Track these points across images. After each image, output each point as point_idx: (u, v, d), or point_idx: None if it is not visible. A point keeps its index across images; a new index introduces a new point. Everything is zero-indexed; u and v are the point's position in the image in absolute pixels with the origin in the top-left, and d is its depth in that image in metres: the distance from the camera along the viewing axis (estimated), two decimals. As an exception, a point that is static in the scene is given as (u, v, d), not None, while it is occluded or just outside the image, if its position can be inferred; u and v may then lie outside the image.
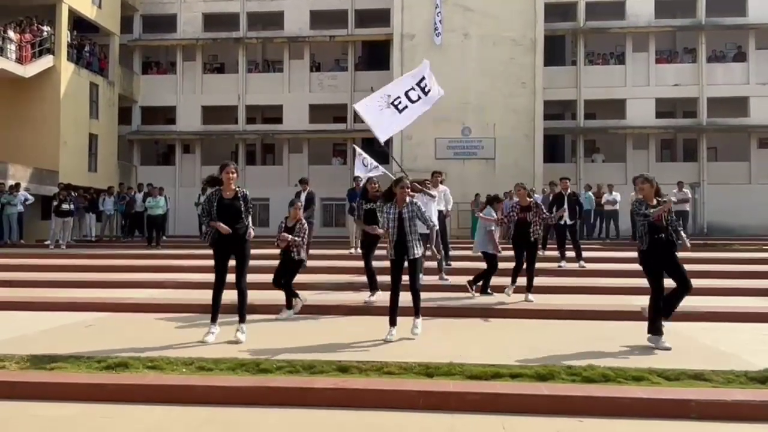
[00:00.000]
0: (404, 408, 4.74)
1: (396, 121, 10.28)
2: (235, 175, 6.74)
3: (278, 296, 8.54)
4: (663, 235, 6.54)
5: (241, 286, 6.82)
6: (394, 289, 6.92)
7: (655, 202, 6.64)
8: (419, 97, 10.31)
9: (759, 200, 24.41)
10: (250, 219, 6.89)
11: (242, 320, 6.88)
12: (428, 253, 8.12)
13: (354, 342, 6.73)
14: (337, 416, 4.64)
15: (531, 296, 9.27)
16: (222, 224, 6.57)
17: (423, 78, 10.38)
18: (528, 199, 9.51)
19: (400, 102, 10.23)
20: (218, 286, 6.79)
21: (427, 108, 10.54)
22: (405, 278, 7.01)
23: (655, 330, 6.53)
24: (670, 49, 27.23)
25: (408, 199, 7.03)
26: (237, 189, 6.80)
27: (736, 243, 17.25)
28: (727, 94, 25.47)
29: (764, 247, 14.96)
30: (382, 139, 10.41)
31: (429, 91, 10.32)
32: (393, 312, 6.92)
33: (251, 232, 6.87)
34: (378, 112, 10.18)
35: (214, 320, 6.83)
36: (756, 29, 25.34)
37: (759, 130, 25.28)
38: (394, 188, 7.05)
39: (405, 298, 7.04)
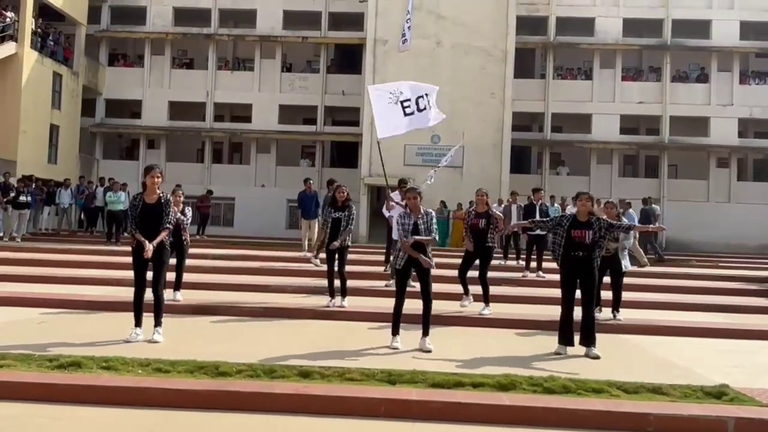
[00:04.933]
0: (366, 415, 4.69)
1: (399, 124, 9.83)
2: (159, 179, 6.65)
3: (237, 298, 8.35)
4: (581, 253, 6.82)
5: (157, 292, 6.73)
6: (400, 299, 6.79)
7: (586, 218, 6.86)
8: (424, 108, 9.88)
9: (715, 218, 25.06)
10: (169, 224, 6.74)
11: (158, 324, 6.71)
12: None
13: (317, 346, 6.65)
14: (298, 422, 4.56)
15: (488, 310, 8.79)
16: (146, 243, 6.54)
17: (426, 94, 9.91)
18: (485, 207, 9.00)
19: (408, 106, 9.78)
20: (139, 290, 6.74)
21: (427, 124, 10.15)
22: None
23: (561, 339, 6.88)
24: (635, 67, 27.83)
25: (423, 209, 6.85)
26: (160, 194, 6.70)
27: (693, 259, 17.69)
28: (689, 114, 26.14)
29: (720, 265, 15.37)
30: (381, 136, 9.87)
31: (424, 109, 9.87)
32: (397, 321, 6.80)
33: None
34: (386, 105, 9.71)
35: (138, 324, 6.69)
36: (718, 52, 26.08)
37: (718, 149, 26.00)
38: (403, 196, 7.08)
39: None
